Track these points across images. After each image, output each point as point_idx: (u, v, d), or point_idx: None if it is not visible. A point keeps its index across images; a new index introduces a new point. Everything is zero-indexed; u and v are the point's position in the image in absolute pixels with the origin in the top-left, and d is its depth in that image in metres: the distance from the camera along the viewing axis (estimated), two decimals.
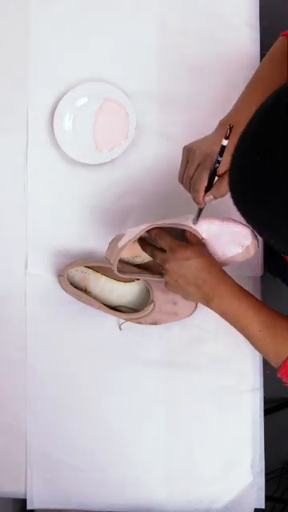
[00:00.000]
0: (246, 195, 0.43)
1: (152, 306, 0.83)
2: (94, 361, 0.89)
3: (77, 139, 0.89)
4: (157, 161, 0.88)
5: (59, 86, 0.90)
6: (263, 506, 0.88)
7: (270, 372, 0.79)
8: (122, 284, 0.87)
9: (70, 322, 0.89)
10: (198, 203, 0.70)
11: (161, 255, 0.73)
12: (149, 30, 0.90)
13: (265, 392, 0.88)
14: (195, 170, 0.68)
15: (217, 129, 0.71)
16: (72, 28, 0.91)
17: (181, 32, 0.89)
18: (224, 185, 0.67)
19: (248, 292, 0.72)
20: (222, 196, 0.68)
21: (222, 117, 0.71)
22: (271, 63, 0.74)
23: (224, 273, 0.72)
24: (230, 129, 0.58)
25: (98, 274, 0.87)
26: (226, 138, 0.59)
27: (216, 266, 0.72)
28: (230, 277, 0.72)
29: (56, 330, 0.89)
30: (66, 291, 0.86)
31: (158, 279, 0.77)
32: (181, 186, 0.72)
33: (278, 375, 0.70)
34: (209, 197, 0.68)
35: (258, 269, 0.87)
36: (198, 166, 0.68)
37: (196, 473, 0.88)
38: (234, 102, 0.73)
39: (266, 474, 0.88)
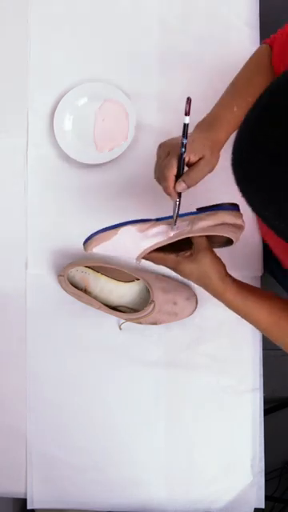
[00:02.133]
0: (247, 171, 0.42)
1: (152, 306, 0.83)
2: (94, 361, 0.89)
3: (77, 139, 0.89)
4: None
5: (59, 86, 0.90)
6: (263, 506, 0.88)
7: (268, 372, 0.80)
8: (121, 284, 0.87)
9: (70, 322, 0.89)
10: (169, 194, 0.67)
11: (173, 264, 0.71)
12: (149, 30, 0.90)
13: (265, 392, 0.88)
14: (165, 160, 0.67)
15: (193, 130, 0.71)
16: (72, 28, 0.91)
17: (181, 32, 0.89)
18: (195, 171, 0.65)
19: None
20: (195, 182, 0.66)
21: None
22: (249, 72, 0.74)
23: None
24: (189, 103, 0.58)
25: (98, 274, 0.87)
26: (187, 114, 0.58)
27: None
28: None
29: (56, 329, 0.89)
30: (66, 291, 0.86)
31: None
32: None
33: None
34: (180, 185, 0.66)
35: (258, 269, 0.87)
36: (168, 155, 0.66)
37: (196, 473, 0.88)
38: None
39: (266, 474, 0.88)
